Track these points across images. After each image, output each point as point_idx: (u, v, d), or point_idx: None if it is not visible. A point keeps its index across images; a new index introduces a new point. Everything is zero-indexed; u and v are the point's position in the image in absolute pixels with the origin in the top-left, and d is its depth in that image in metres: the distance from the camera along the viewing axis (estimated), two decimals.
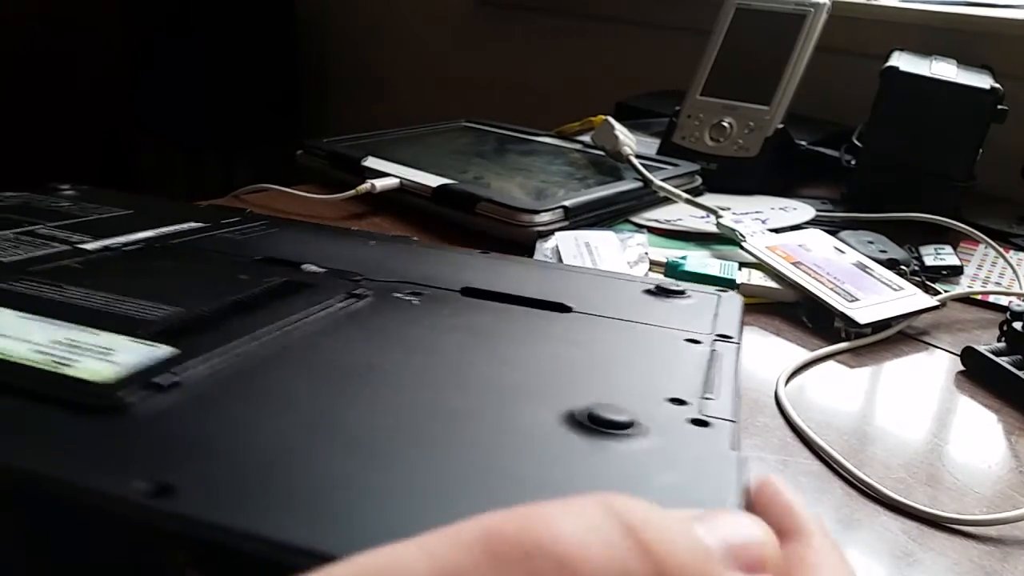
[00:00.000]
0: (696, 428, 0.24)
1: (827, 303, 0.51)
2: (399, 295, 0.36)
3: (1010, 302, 0.53)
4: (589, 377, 0.27)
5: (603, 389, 0.26)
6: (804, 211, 0.69)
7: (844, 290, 0.53)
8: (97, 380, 0.24)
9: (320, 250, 0.42)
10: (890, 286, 0.54)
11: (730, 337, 0.33)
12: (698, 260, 0.56)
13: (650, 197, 0.68)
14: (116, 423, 0.22)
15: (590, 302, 0.36)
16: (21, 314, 0.29)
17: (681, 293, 0.38)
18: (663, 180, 0.68)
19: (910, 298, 0.53)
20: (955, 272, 0.60)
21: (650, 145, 0.81)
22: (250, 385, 0.25)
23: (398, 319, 0.32)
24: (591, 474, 0.20)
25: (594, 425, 0.23)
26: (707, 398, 0.26)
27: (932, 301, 0.53)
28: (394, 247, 0.44)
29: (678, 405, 0.25)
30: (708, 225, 0.63)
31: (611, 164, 0.74)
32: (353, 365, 0.27)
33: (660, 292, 0.38)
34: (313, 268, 0.38)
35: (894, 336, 0.51)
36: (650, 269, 0.56)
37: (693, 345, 0.32)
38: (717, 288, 0.41)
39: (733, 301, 0.39)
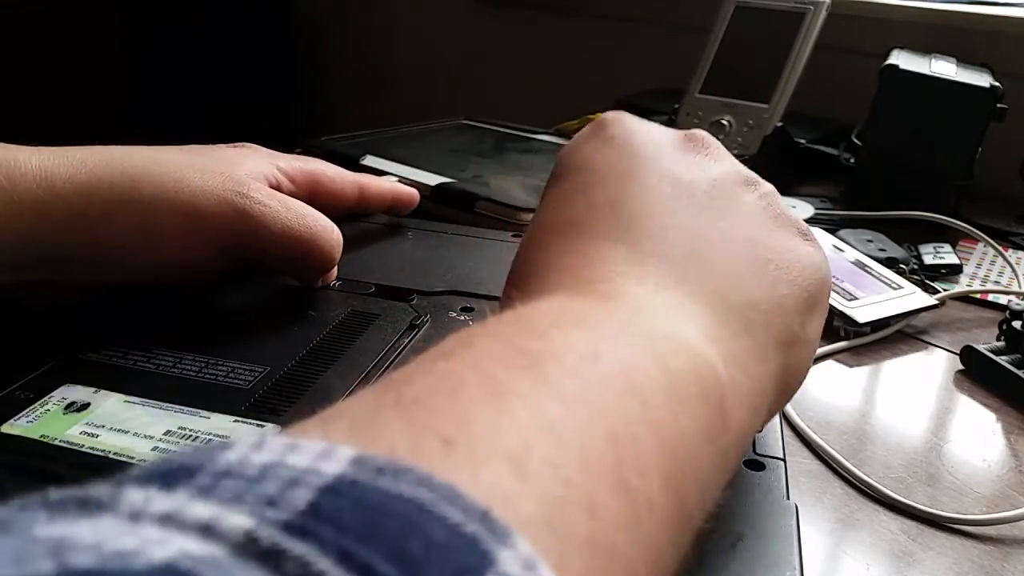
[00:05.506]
0: (753, 473, 0.26)
1: None
2: (453, 313, 0.37)
3: (1009, 301, 0.53)
4: None
5: None
6: (803, 209, 0.69)
7: (843, 289, 0.53)
8: None
9: (365, 259, 0.43)
10: (889, 285, 0.54)
11: None
12: None
13: None
14: None
15: None
16: (126, 398, 0.30)
17: None
18: None
19: (909, 297, 0.53)
20: (954, 271, 0.60)
21: None
22: None
23: None
24: None
25: None
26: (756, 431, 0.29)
27: (931, 300, 0.53)
28: (429, 242, 0.47)
29: None
30: None
31: None
32: None
33: None
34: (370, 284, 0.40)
35: (893, 335, 0.51)
36: None
37: None
38: None
39: None
